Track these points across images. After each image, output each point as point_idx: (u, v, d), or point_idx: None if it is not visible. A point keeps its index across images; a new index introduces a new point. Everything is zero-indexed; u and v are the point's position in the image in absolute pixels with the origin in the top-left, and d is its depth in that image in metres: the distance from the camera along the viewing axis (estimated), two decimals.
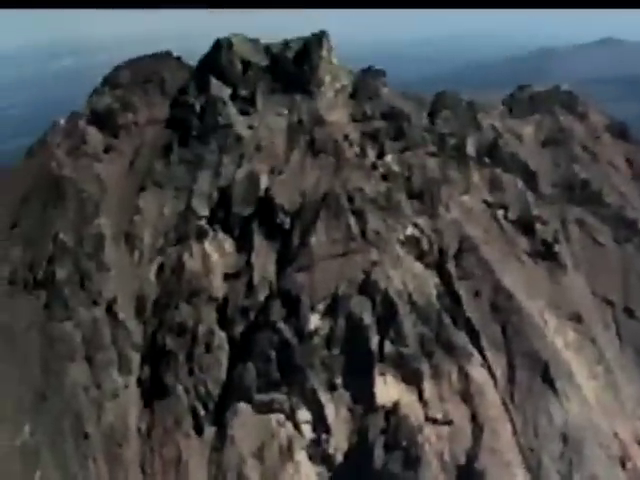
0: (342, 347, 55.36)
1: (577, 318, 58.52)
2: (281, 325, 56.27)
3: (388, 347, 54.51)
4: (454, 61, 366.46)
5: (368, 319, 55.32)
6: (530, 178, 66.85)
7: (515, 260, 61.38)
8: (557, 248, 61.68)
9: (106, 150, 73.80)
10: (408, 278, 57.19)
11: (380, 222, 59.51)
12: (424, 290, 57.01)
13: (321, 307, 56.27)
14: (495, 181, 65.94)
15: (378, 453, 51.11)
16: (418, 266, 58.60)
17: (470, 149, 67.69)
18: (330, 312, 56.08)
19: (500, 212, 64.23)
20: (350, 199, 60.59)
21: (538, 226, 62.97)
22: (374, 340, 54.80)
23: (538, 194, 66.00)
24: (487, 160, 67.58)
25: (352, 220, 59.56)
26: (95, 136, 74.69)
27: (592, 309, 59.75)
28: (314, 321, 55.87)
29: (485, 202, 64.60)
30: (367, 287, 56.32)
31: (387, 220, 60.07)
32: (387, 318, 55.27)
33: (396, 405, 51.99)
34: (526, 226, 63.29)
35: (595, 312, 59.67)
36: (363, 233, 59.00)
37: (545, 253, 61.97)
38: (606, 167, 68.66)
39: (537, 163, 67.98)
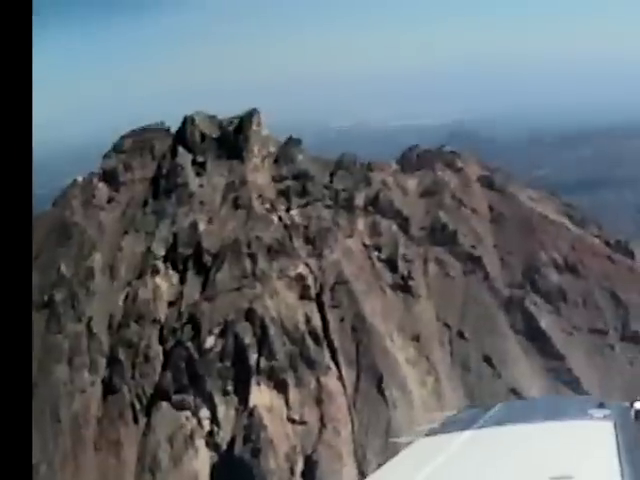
0: (232, 361, 59.37)
1: (417, 338, 60.65)
2: (188, 343, 60.87)
3: (263, 362, 58.28)
4: None
5: (248, 340, 59.08)
6: (404, 223, 68.49)
7: (379, 291, 63.64)
8: (410, 282, 63.59)
9: (109, 201, 79.57)
10: (282, 308, 60.52)
11: (267, 263, 62.90)
12: (294, 317, 60.21)
13: (216, 330, 60.38)
14: (375, 226, 67.99)
15: (239, 444, 55.16)
16: (291, 297, 61.70)
17: (358, 201, 69.76)
18: (222, 334, 60.17)
19: (375, 253, 66.37)
20: (248, 245, 64.22)
21: (400, 263, 64.86)
22: (253, 356, 58.57)
23: (409, 236, 67.61)
24: (371, 209, 69.60)
25: (247, 262, 63.27)
26: (102, 190, 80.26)
27: (432, 331, 61.39)
28: (210, 341, 60.08)
29: (364, 244, 66.83)
30: (250, 315, 60.04)
31: (275, 261, 63.38)
32: (263, 339, 58.96)
33: (255, 407, 55.75)
34: (392, 263, 65.31)
35: (434, 334, 61.30)
36: (253, 272, 62.64)
37: (403, 286, 63.98)
38: (468, 212, 69.35)
39: (411, 210, 69.35)
